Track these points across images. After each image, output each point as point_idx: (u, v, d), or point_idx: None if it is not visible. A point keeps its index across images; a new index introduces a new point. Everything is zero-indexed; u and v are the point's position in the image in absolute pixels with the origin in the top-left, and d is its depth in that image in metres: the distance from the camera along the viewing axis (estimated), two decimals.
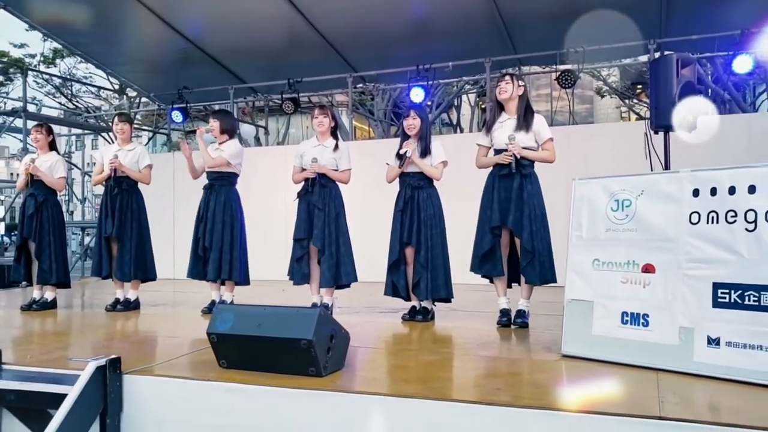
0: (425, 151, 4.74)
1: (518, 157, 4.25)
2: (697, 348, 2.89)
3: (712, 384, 2.78)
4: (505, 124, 4.38)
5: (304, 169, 5.02)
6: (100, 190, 5.98)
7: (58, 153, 6.11)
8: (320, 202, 4.96)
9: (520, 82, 4.43)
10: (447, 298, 4.81)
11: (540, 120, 4.40)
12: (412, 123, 4.76)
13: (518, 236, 4.27)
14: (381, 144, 9.15)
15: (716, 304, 2.87)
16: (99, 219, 5.78)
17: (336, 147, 5.05)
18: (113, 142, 5.85)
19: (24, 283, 6.28)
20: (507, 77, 4.43)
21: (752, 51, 6.92)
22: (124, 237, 5.60)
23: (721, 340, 2.83)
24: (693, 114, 4.51)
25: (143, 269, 5.72)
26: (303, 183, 5.06)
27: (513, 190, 4.28)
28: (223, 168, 5.42)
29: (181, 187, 8.82)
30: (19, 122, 9.65)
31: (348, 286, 5.14)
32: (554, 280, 4.28)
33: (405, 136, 4.83)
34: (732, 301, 2.82)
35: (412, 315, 4.81)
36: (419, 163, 4.71)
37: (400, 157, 4.72)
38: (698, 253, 2.96)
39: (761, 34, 6.83)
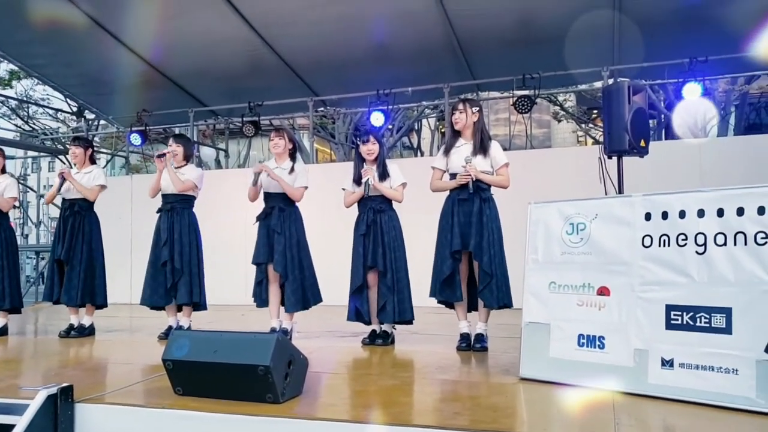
0: (383, 175, 4.77)
1: (474, 179, 4.29)
2: (652, 370, 2.94)
3: (666, 405, 2.82)
4: (462, 149, 4.43)
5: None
6: (55, 212, 5.84)
7: (11, 176, 5.97)
8: (278, 226, 4.93)
9: (474, 109, 4.45)
10: (411, 320, 4.82)
11: (496, 146, 4.46)
12: (371, 148, 4.79)
13: (478, 260, 4.29)
14: (342, 167, 9.14)
15: (669, 326, 2.93)
16: (53, 242, 5.70)
17: (292, 169, 5.04)
18: (72, 166, 5.73)
19: None
20: (460, 105, 4.46)
21: (700, 78, 7.16)
22: (73, 260, 5.49)
23: (674, 361, 2.88)
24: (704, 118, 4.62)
25: (91, 294, 5.57)
26: (263, 207, 5.03)
27: (473, 215, 4.31)
28: (187, 191, 5.36)
29: (139, 210, 8.68)
30: None
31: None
32: (511, 304, 4.32)
33: (360, 160, 4.85)
34: (684, 323, 2.88)
35: (372, 339, 4.79)
36: (381, 188, 4.73)
37: (362, 184, 4.73)
38: (651, 275, 3.03)
39: (708, 63, 7.09)
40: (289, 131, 5.26)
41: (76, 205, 5.56)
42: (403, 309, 4.72)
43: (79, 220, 5.56)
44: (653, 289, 3.02)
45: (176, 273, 5.25)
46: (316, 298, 5.06)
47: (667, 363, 2.90)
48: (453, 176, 4.43)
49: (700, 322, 2.83)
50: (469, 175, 4.28)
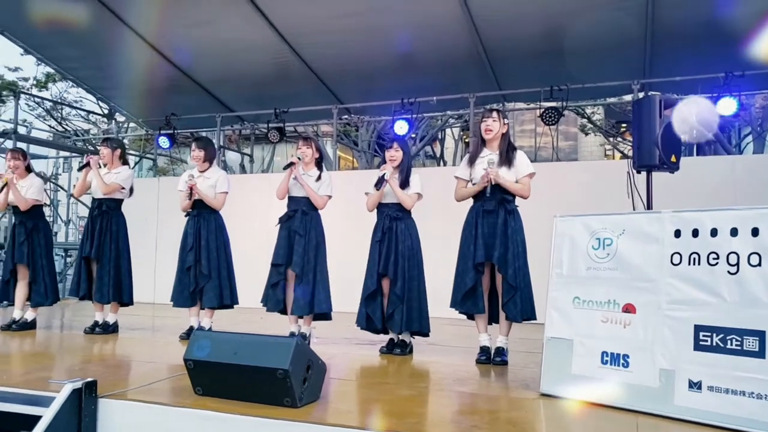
0: (404, 183, 4.74)
1: (493, 182, 4.23)
2: (678, 391, 2.87)
3: (692, 429, 2.75)
4: (486, 159, 4.39)
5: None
6: (84, 211, 5.99)
7: (40, 175, 6.11)
8: (301, 228, 4.95)
9: (505, 120, 4.45)
10: (422, 332, 4.77)
11: (521, 155, 4.41)
12: (395, 155, 4.78)
13: (502, 273, 4.24)
14: (364, 174, 9.16)
15: (698, 346, 2.85)
16: (81, 239, 5.82)
17: (319, 177, 5.06)
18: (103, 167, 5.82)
19: (5, 302, 6.31)
20: (493, 114, 4.43)
21: (736, 93, 7.02)
22: (102, 258, 5.59)
23: (702, 384, 2.81)
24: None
25: (119, 292, 5.67)
26: (286, 209, 5.04)
27: (497, 226, 4.27)
28: (215, 202, 5.42)
29: (165, 211, 8.77)
30: (9, 144, 9.62)
31: (327, 317, 5.09)
32: (534, 317, 4.26)
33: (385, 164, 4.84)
34: (714, 344, 2.80)
35: (390, 348, 4.75)
36: (394, 187, 4.71)
37: (379, 180, 4.72)
38: (679, 294, 2.96)
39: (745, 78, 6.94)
40: (316, 141, 5.29)
41: (104, 205, 5.66)
42: (411, 319, 4.65)
43: (107, 220, 5.65)
44: (681, 308, 2.95)
45: (202, 278, 5.30)
46: (322, 306, 4.97)
47: (694, 385, 2.83)
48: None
49: (731, 344, 2.75)
50: (489, 177, 4.22)
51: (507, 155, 4.35)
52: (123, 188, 5.66)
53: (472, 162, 4.45)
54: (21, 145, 10.20)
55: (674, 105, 4.65)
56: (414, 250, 4.75)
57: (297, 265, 4.89)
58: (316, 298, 4.94)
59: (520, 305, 4.20)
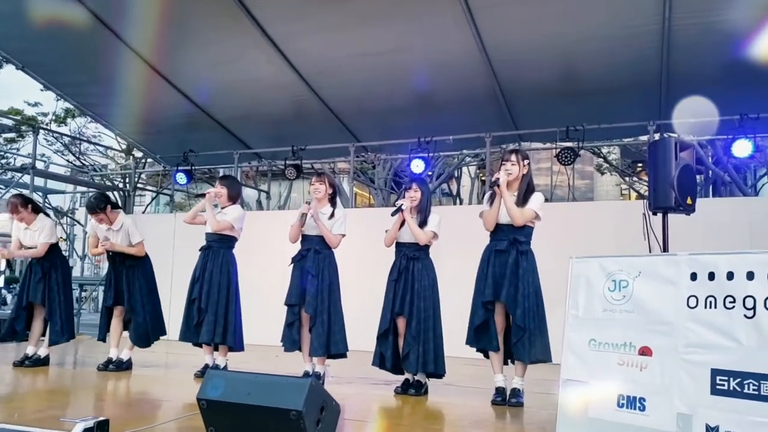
0: (423, 223, 4.75)
1: (499, 184, 4.27)
2: None
3: None
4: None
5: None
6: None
7: (46, 215, 6.17)
8: (314, 268, 4.96)
9: (526, 161, 4.40)
10: (437, 374, 4.72)
11: (536, 196, 4.37)
12: (414, 195, 4.79)
13: (511, 313, 4.24)
14: (380, 212, 9.20)
15: (715, 391, 2.81)
16: (105, 287, 5.92)
17: (332, 215, 5.08)
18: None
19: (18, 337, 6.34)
20: (513, 157, 4.37)
21: (751, 135, 7.02)
22: (136, 306, 5.70)
23: (720, 428, 2.75)
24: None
25: (158, 329, 5.87)
26: (299, 248, 5.07)
27: (508, 266, 4.28)
28: (225, 231, 5.44)
29: (181, 248, 8.83)
30: (27, 178, 9.79)
31: (343, 356, 5.07)
32: (547, 359, 4.23)
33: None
34: (731, 388, 2.76)
35: (404, 388, 4.72)
36: (409, 221, 4.71)
37: (397, 209, 4.73)
38: (696, 337, 2.93)
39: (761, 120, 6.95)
40: (329, 176, 5.33)
41: (127, 261, 5.75)
42: (427, 360, 4.62)
43: (132, 272, 5.75)
44: (698, 352, 2.91)
45: (201, 312, 5.31)
46: (338, 347, 4.97)
47: (712, 430, 2.78)
48: (498, 224, 4.40)
49: (749, 389, 2.71)
50: (498, 183, 4.28)
51: (525, 197, 4.35)
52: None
53: (491, 203, 4.44)
54: (38, 180, 10.41)
55: (689, 147, 4.66)
56: (430, 290, 4.74)
57: (310, 306, 4.89)
58: (332, 339, 4.92)
59: (528, 346, 4.17)
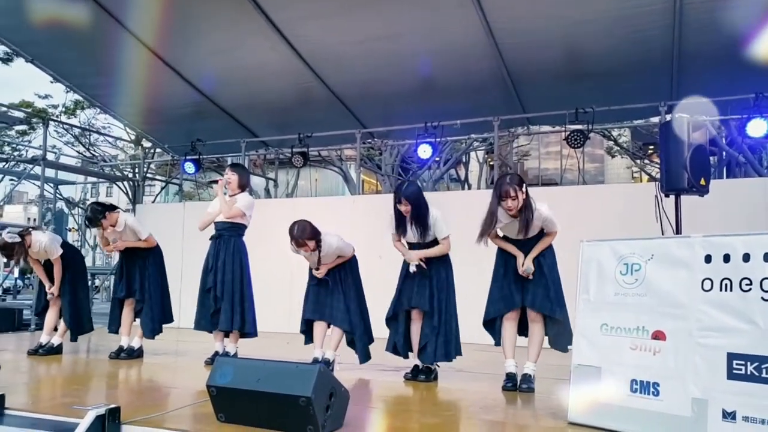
0: (423, 231, 4.63)
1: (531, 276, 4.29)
2: (711, 421, 2.77)
3: None
4: (509, 225, 4.32)
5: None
6: None
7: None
8: (336, 290, 5.05)
9: (523, 189, 4.20)
10: (450, 360, 4.73)
11: (546, 214, 4.26)
12: (405, 210, 4.60)
13: (549, 313, 4.26)
14: (387, 198, 9.17)
15: (731, 375, 2.76)
16: (115, 278, 6.00)
17: (317, 249, 4.94)
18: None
19: (33, 327, 6.44)
20: (512, 192, 4.13)
21: (767, 114, 6.88)
22: (147, 297, 5.75)
23: (737, 414, 2.71)
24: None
25: (163, 318, 5.90)
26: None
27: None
28: (236, 219, 5.43)
29: (190, 236, 8.83)
30: (38, 170, 9.84)
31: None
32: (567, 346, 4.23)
33: (399, 215, 4.68)
34: (748, 373, 2.71)
35: (414, 374, 4.70)
36: (428, 255, 4.64)
37: (412, 266, 4.67)
38: (711, 321, 2.88)
39: None
40: (306, 234, 4.86)
41: (138, 252, 5.78)
42: (448, 351, 4.63)
43: (143, 263, 5.78)
44: (713, 336, 2.86)
45: (218, 300, 5.33)
46: (371, 340, 5.17)
47: (728, 415, 2.73)
48: (507, 238, 4.42)
49: (767, 373, 2.66)
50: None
51: (527, 225, 4.23)
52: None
53: (491, 231, 4.32)
54: (49, 170, 10.44)
55: (702, 127, 4.58)
56: (446, 282, 4.71)
57: (337, 320, 5.00)
58: (370, 336, 5.13)
59: (566, 335, 4.22)
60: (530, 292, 4.27)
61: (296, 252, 4.96)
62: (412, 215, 4.60)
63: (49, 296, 5.90)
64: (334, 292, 5.01)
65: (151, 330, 5.76)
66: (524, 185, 4.22)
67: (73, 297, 5.99)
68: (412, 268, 4.61)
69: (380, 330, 4.99)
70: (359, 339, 5.02)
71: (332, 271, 5.04)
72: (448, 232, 4.67)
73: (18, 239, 5.70)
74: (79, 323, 6.02)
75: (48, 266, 5.95)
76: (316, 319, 5.03)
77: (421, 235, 4.63)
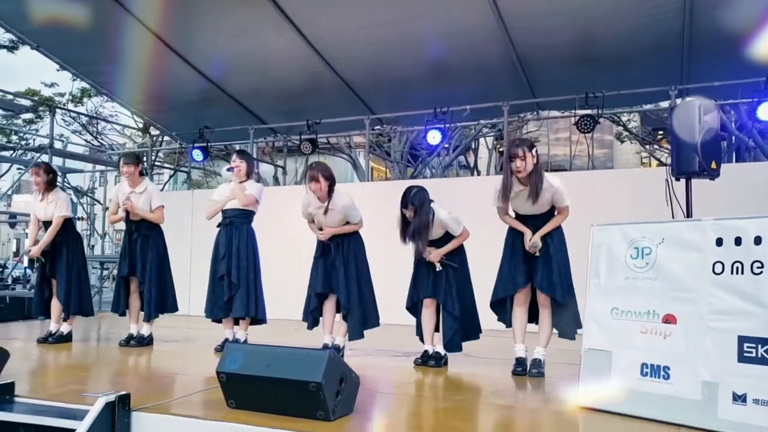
0: (437, 233, 4.65)
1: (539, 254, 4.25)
2: (722, 404, 2.77)
3: None
4: (520, 194, 4.30)
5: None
6: (121, 225, 6.07)
7: (64, 189, 6.22)
8: (339, 260, 4.96)
9: (533, 151, 4.22)
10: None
11: (556, 187, 4.24)
12: (410, 215, 4.59)
13: (552, 294, 4.22)
14: (397, 185, 9.15)
15: (742, 358, 2.75)
16: (120, 258, 5.90)
17: (332, 208, 4.94)
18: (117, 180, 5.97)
19: (41, 317, 6.40)
20: (520, 152, 4.16)
21: None
22: (145, 277, 5.69)
23: (747, 396, 2.71)
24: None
25: (163, 306, 5.82)
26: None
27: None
28: (248, 206, 5.44)
29: (199, 224, 8.83)
30: (45, 158, 9.86)
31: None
32: (573, 333, 4.22)
33: (405, 221, 4.67)
34: (759, 356, 2.70)
35: (424, 360, 4.71)
36: (447, 251, 4.64)
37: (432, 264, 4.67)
38: (722, 304, 2.87)
39: None
40: (324, 171, 4.99)
41: (143, 228, 5.75)
42: (468, 332, 4.68)
43: (146, 241, 5.75)
44: (724, 319, 2.85)
45: (233, 287, 5.32)
46: (373, 323, 5.05)
47: (739, 398, 2.73)
48: (517, 215, 4.40)
49: None
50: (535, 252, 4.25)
51: (536, 190, 4.21)
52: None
53: (506, 199, 4.31)
54: (56, 159, 10.47)
55: (713, 110, 4.53)
56: (461, 272, 4.70)
57: (343, 296, 4.92)
58: (369, 317, 5.00)
59: (572, 321, 4.21)
60: (538, 273, 4.24)
61: (307, 208, 5.01)
62: (417, 218, 4.55)
63: (25, 253, 5.72)
64: (336, 263, 4.95)
65: (147, 314, 5.73)
66: (534, 149, 4.25)
67: (68, 275, 5.88)
68: (438, 267, 4.62)
69: (392, 316, 4.98)
70: (353, 314, 4.91)
71: (337, 243, 4.98)
72: (462, 226, 4.68)
73: (53, 173, 6.08)
74: (72, 301, 5.87)
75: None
76: (327, 292, 4.98)
77: (434, 241, 4.66)
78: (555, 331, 4.37)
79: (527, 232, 4.27)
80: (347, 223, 5.02)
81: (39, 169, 6.01)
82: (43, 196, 5.93)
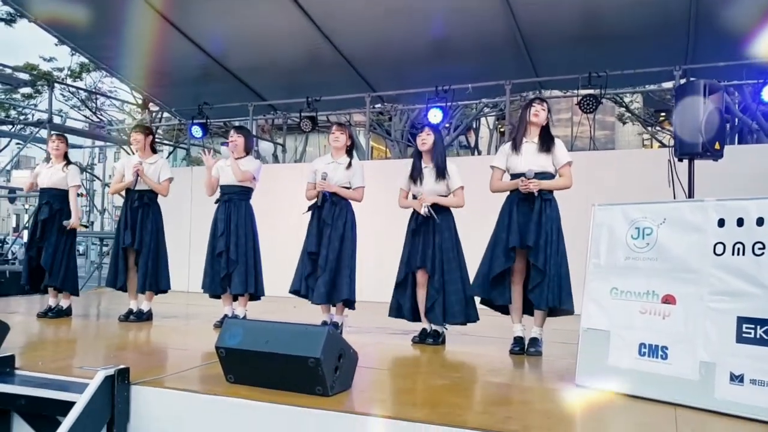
0: (440, 173, 4.63)
1: (535, 193, 4.17)
2: (719, 384, 2.78)
3: (734, 423, 2.67)
4: (525, 148, 4.31)
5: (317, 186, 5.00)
6: (119, 201, 6.02)
7: (72, 162, 6.19)
8: (329, 217, 4.92)
9: (548, 109, 4.38)
10: (464, 322, 4.68)
11: (559, 144, 4.33)
12: (425, 138, 4.65)
13: (532, 258, 4.16)
14: (397, 164, 9.11)
15: (740, 339, 2.76)
16: (117, 230, 5.85)
17: (349, 165, 5.03)
18: (134, 153, 5.89)
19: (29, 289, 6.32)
20: (543, 103, 4.36)
21: None
22: (143, 249, 5.66)
23: (745, 377, 2.72)
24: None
25: (157, 281, 5.75)
26: (315, 198, 5.04)
27: (532, 213, 4.19)
28: (246, 183, 5.41)
29: (199, 201, 8.82)
30: (44, 133, 9.80)
31: (350, 306, 5.07)
32: (567, 307, 4.16)
33: (418, 156, 4.75)
34: (758, 336, 2.71)
35: (422, 338, 4.72)
36: (441, 202, 4.63)
37: (422, 213, 4.59)
38: (722, 285, 2.86)
39: None
40: (349, 128, 5.24)
41: (146, 197, 5.72)
42: (453, 312, 4.58)
43: (146, 211, 5.71)
44: (724, 300, 2.85)
45: (231, 263, 5.32)
46: (341, 295, 4.91)
47: (736, 378, 2.74)
48: (514, 176, 4.32)
49: None
50: (529, 187, 4.15)
51: (546, 143, 4.27)
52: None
53: (516, 149, 4.33)
54: None
55: (718, 91, 4.49)
56: (451, 242, 4.65)
57: (321, 257, 4.89)
58: (336, 287, 4.89)
59: (546, 292, 4.10)
60: (530, 232, 4.16)
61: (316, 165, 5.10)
62: (432, 149, 4.62)
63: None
64: (324, 232, 4.94)
65: (140, 287, 5.69)
66: (550, 113, 4.39)
67: (56, 245, 5.81)
68: (423, 210, 4.55)
69: (388, 294, 4.97)
70: (321, 279, 4.86)
71: (332, 203, 4.96)
72: (462, 184, 4.65)
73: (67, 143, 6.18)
74: (54, 269, 5.78)
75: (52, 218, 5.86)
76: (318, 252, 4.94)
77: (436, 180, 4.61)
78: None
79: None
80: (346, 187, 5.04)
81: (60, 139, 6.04)
82: (52, 164, 5.92)
